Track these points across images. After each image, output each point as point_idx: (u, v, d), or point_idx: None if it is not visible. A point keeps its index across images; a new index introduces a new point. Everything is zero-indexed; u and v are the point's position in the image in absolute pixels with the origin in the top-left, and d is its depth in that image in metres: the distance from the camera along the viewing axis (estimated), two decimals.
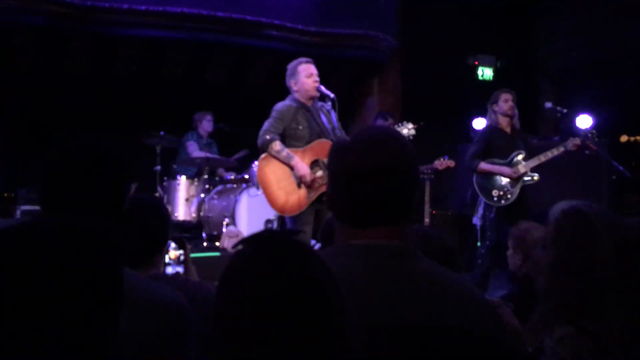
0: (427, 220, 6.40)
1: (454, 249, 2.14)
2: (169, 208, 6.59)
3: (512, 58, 9.91)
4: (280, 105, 4.60)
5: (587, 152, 5.45)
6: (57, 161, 1.62)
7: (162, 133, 6.75)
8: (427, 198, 6.36)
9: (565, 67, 9.43)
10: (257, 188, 5.96)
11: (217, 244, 6.08)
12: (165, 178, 6.93)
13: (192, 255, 2.60)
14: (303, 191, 4.48)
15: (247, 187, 6.40)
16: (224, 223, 6.19)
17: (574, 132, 6.08)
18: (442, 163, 6.28)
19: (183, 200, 6.75)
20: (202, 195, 6.61)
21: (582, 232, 1.76)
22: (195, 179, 6.85)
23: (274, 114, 4.56)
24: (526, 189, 5.41)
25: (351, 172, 1.42)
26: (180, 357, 1.61)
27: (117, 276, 1.11)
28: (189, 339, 1.65)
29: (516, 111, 5.52)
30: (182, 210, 6.75)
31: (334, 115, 4.69)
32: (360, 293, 1.28)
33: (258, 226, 5.99)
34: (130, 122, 7.59)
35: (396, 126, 4.97)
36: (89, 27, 6.95)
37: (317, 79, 4.59)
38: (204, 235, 6.45)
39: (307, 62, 4.62)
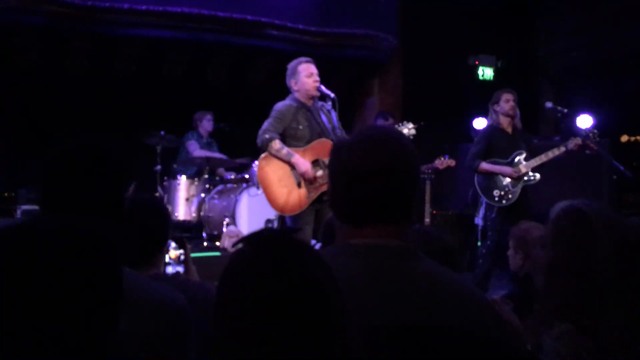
0: (427, 220, 6.39)
1: (454, 249, 2.14)
2: (169, 208, 6.59)
3: (512, 58, 9.92)
4: (280, 105, 4.60)
5: (587, 152, 5.45)
6: (57, 161, 1.62)
7: (162, 133, 6.75)
8: (427, 198, 6.36)
9: (566, 67, 9.43)
10: (257, 188, 5.96)
11: (218, 243, 6.08)
12: (165, 178, 6.93)
13: (193, 255, 2.60)
14: (303, 190, 4.48)
15: (248, 186, 6.40)
16: (224, 223, 6.19)
17: (575, 132, 6.07)
18: (443, 162, 6.28)
19: (183, 200, 6.75)
20: (203, 195, 6.61)
21: (581, 231, 1.76)
22: (196, 179, 6.85)
23: (273, 113, 4.56)
24: (527, 189, 5.41)
25: (351, 171, 1.42)
26: (180, 357, 1.61)
27: (117, 276, 1.11)
28: (188, 339, 1.64)
29: (518, 111, 5.52)
30: (183, 210, 6.75)
31: (334, 115, 4.69)
32: (360, 293, 1.28)
33: (258, 226, 5.99)
34: (130, 122, 7.59)
35: (396, 126, 4.96)
36: (89, 27, 6.95)
37: (318, 78, 4.59)
38: (204, 235, 6.45)
39: (307, 61, 4.62)
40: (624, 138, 8.64)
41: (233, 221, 6.18)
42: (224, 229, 6.11)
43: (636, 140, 8.74)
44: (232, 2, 7.31)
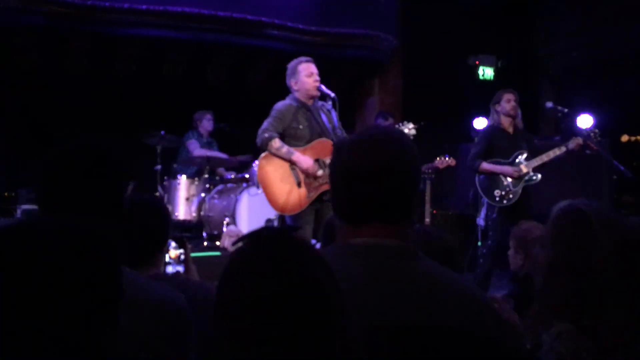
0: (427, 220, 6.38)
1: (454, 248, 2.14)
2: (170, 207, 6.59)
3: (512, 58, 9.92)
4: (280, 105, 4.60)
5: (588, 151, 5.44)
6: (56, 161, 1.62)
7: (162, 132, 6.75)
8: (427, 197, 6.35)
9: (566, 67, 9.43)
10: (257, 187, 5.96)
11: (218, 243, 6.08)
12: (165, 177, 6.93)
13: (193, 254, 2.60)
14: (303, 190, 4.48)
15: (248, 186, 6.40)
16: (225, 222, 6.19)
17: (575, 131, 6.07)
18: (443, 162, 6.27)
19: (183, 199, 6.75)
20: (203, 194, 6.61)
21: (580, 231, 1.77)
22: (196, 179, 6.85)
23: (273, 113, 4.56)
24: (529, 189, 5.40)
25: (350, 171, 1.43)
26: (180, 357, 1.61)
27: (117, 276, 1.10)
28: (188, 339, 1.64)
29: (519, 111, 5.51)
30: (183, 210, 6.75)
31: (334, 115, 4.69)
32: (360, 293, 1.28)
33: (258, 225, 5.92)
34: (130, 122, 7.59)
35: (396, 126, 4.96)
36: (89, 26, 6.95)
37: (318, 78, 4.58)
38: (204, 234, 6.45)
39: (307, 61, 4.61)
40: (624, 138, 8.63)
41: (233, 221, 6.18)
42: (224, 229, 6.11)
43: (636, 140, 8.73)
44: (233, 1, 7.31)
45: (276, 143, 4.46)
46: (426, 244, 1.87)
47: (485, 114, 5.85)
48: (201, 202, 6.58)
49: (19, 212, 6.58)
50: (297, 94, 4.60)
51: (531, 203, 5.39)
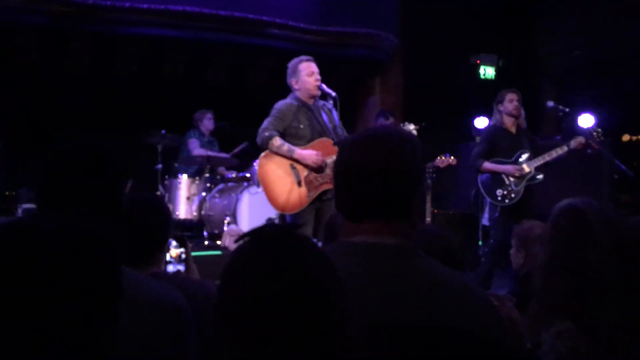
0: (428, 219, 6.38)
1: (455, 248, 2.13)
2: (170, 207, 6.59)
3: (513, 58, 9.91)
4: (281, 104, 4.59)
5: (589, 151, 5.44)
6: (54, 161, 1.62)
7: (163, 132, 6.75)
8: (428, 197, 6.35)
9: (566, 67, 9.43)
10: (258, 186, 5.96)
11: (218, 242, 6.08)
12: (166, 177, 6.94)
13: (193, 253, 2.60)
14: (304, 189, 4.48)
15: (249, 185, 6.40)
16: (225, 222, 6.19)
17: (577, 131, 6.06)
18: (444, 161, 6.25)
19: (184, 198, 6.75)
20: (204, 193, 6.61)
21: (579, 230, 1.77)
22: (197, 178, 6.85)
23: (274, 112, 4.55)
24: (532, 188, 5.40)
25: (350, 168, 1.45)
26: (180, 357, 1.60)
27: (117, 276, 1.10)
28: (188, 338, 1.64)
29: (522, 111, 5.51)
30: (184, 209, 6.75)
31: (335, 114, 4.68)
32: (360, 292, 1.27)
33: (259, 225, 5.97)
34: (130, 122, 7.59)
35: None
36: (90, 26, 6.95)
37: (319, 77, 4.58)
38: (205, 233, 6.45)
39: (307, 60, 4.61)
40: (626, 137, 8.63)
41: (234, 220, 6.18)
42: (225, 228, 6.12)
43: (637, 140, 8.73)
44: (234, 0, 7.32)
45: (277, 142, 4.45)
46: (427, 243, 1.87)
47: (486, 114, 5.86)
48: (202, 201, 6.59)
49: (19, 211, 6.59)
50: (298, 93, 4.60)
51: (533, 202, 5.38)
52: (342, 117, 4.72)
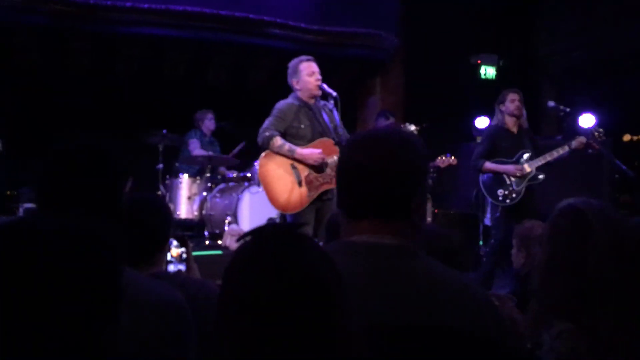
0: (429, 219, 6.39)
1: (456, 248, 2.13)
2: (171, 206, 6.59)
3: (513, 58, 9.91)
4: (282, 104, 4.59)
5: (590, 151, 5.44)
6: (54, 161, 1.63)
7: (164, 131, 6.75)
8: (429, 197, 6.35)
9: (566, 67, 9.43)
10: (259, 186, 5.96)
11: (219, 242, 6.08)
12: (167, 176, 6.95)
13: (194, 253, 2.60)
14: (304, 189, 4.48)
15: (249, 185, 6.40)
16: (226, 221, 6.20)
17: (578, 130, 6.06)
18: (444, 161, 6.26)
19: (185, 198, 6.75)
20: (204, 193, 6.61)
21: (578, 230, 1.77)
22: (198, 177, 6.85)
23: (275, 112, 4.55)
24: (533, 188, 5.39)
25: (350, 168, 1.46)
26: (180, 357, 1.60)
27: (117, 276, 1.10)
28: (188, 338, 1.64)
29: (524, 111, 5.51)
30: (184, 209, 6.75)
31: (336, 114, 4.67)
32: (360, 292, 1.27)
33: (260, 224, 5.97)
34: (131, 122, 7.59)
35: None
36: (90, 25, 6.95)
37: (319, 77, 4.57)
38: (206, 233, 6.45)
39: (308, 60, 4.60)
40: (627, 137, 8.63)
41: (235, 220, 6.18)
42: (226, 228, 6.12)
43: (638, 140, 8.73)
44: (234, 0, 7.31)
45: (277, 141, 4.45)
46: (427, 243, 1.87)
47: (487, 114, 5.85)
48: (203, 201, 6.59)
49: (21, 210, 6.59)
50: (299, 93, 4.60)
51: (535, 202, 5.38)
52: (342, 117, 4.71)
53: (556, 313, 1.74)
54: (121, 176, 1.68)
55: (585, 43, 8.91)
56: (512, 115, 5.48)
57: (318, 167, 4.48)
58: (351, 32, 7.98)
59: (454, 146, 7.52)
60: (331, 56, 7.68)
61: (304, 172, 4.50)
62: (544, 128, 8.76)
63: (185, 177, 6.81)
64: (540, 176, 5.38)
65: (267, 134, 4.46)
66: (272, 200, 4.49)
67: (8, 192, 7.16)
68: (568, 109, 5.88)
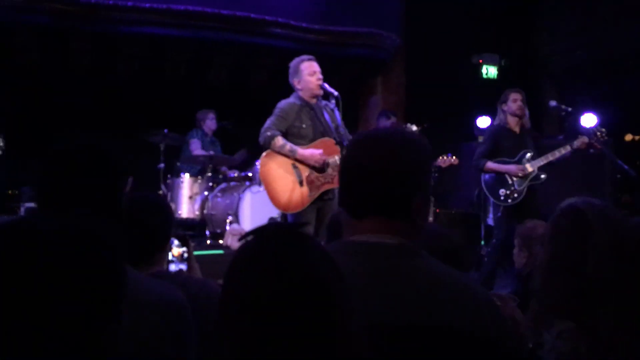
0: (430, 218, 6.38)
1: (458, 248, 2.13)
2: (173, 206, 6.59)
3: (514, 58, 9.91)
4: (283, 103, 4.59)
5: (591, 150, 5.43)
6: (54, 161, 1.63)
7: (165, 131, 6.75)
8: (431, 197, 6.34)
9: (567, 67, 9.43)
10: (260, 185, 5.96)
11: (221, 241, 6.08)
12: (168, 176, 6.94)
13: (195, 252, 2.60)
14: (305, 189, 4.48)
15: (251, 184, 6.40)
16: (228, 221, 6.19)
17: (579, 130, 6.05)
18: (446, 160, 6.25)
19: (186, 198, 6.75)
20: (206, 193, 6.61)
21: (578, 230, 1.77)
22: (199, 177, 6.85)
23: (276, 111, 4.55)
24: (535, 188, 5.38)
25: (351, 167, 1.47)
26: (180, 356, 1.60)
27: (118, 275, 1.10)
28: (188, 338, 1.64)
29: (527, 111, 5.50)
30: (186, 208, 6.75)
31: (337, 114, 4.66)
32: (361, 292, 1.27)
33: (261, 224, 5.97)
34: (132, 122, 7.58)
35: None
36: (92, 25, 6.95)
37: (320, 76, 4.57)
38: (207, 233, 6.45)
39: (309, 59, 4.60)
40: (628, 137, 8.63)
41: (236, 219, 6.18)
42: (227, 227, 6.12)
43: None
44: (236, 0, 7.31)
45: (279, 141, 4.45)
46: (429, 242, 1.86)
47: (488, 113, 5.85)
48: (204, 201, 6.59)
49: (22, 209, 6.59)
50: (300, 93, 4.60)
51: (536, 202, 5.37)
52: (343, 117, 4.71)
53: (557, 313, 1.74)
54: (121, 176, 1.68)
55: (586, 43, 8.91)
56: (514, 115, 5.48)
57: (319, 168, 4.48)
58: (353, 31, 7.98)
59: (455, 146, 7.51)
60: (332, 56, 7.68)
61: (305, 171, 4.50)
62: (545, 128, 8.76)
63: (186, 177, 6.81)
64: (542, 176, 5.37)
65: (268, 133, 4.46)
66: (274, 199, 4.49)
67: (9, 192, 7.16)
68: (570, 109, 5.88)
